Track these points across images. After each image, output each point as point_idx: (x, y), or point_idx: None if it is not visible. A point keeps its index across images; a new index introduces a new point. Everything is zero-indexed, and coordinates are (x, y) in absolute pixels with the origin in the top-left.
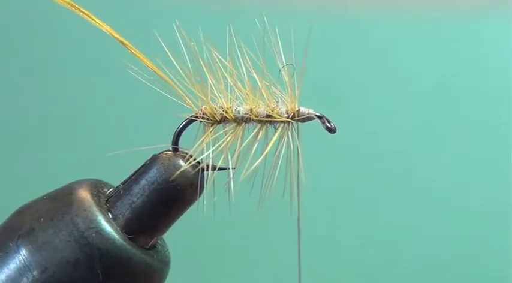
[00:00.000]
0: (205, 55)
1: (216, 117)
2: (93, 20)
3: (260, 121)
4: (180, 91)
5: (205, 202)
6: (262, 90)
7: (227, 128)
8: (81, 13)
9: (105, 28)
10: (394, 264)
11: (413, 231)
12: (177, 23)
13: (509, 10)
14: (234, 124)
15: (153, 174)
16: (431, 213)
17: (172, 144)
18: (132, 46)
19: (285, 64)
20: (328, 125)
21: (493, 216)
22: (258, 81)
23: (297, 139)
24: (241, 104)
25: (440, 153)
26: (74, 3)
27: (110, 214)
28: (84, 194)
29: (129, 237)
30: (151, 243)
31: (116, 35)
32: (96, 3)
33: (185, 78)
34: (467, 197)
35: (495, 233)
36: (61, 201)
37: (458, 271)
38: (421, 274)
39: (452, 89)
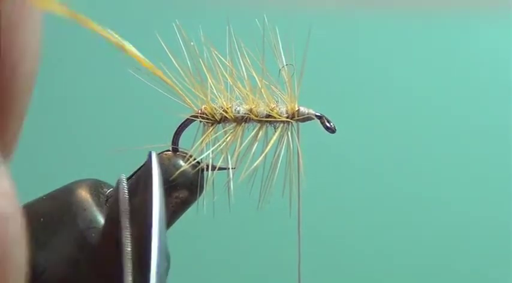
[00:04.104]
0: (205, 55)
1: (215, 117)
2: (93, 27)
3: (260, 121)
4: (180, 91)
5: (205, 202)
6: (262, 90)
7: (227, 128)
8: (81, 22)
9: (104, 34)
10: (394, 264)
11: (414, 231)
12: (177, 22)
13: (509, 10)
14: (234, 124)
15: None
16: (432, 213)
17: (172, 144)
18: (132, 48)
19: (284, 64)
20: (327, 125)
21: (494, 215)
22: (258, 81)
23: (296, 139)
24: (241, 103)
25: (440, 153)
26: (75, 13)
27: None
28: (84, 194)
29: None
30: None
31: (113, 40)
32: (96, 2)
33: (185, 78)
34: (466, 196)
35: (496, 233)
36: (61, 201)
37: (458, 271)
38: (421, 274)
39: (452, 88)
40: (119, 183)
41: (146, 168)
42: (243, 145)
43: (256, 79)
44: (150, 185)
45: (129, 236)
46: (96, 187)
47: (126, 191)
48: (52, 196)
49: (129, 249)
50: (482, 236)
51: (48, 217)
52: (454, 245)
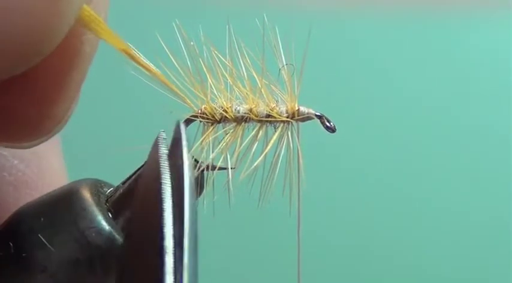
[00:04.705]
0: (205, 55)
1: (215, 116)
2: (142, 64)
3: (260, 121)
4: (180, 91)
5: (205, 202)
6: (262, 90)
7: (227, 128)
8: (131, 58)
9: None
10: (395, 264)
11: (414, 231)
12: (177, 22)
13: (509, 10)
14: (234, 124)
15: None
16: (432, 213)
17: None
18: (133, 50)
19: (284, 64)
20: (327, 124)
21: (494, 215)
22: (258, 81)
23: (296, 139)
24: (241, 103)
25: (440, 153)
26: (128, 48)
27: (109, 214)
28: (84, 194)
29: None
30: None
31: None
32: None
33: (185, 77)
34: (466, 196)
35: (496, 233)
36: (61, 200)
37: (458, 271)
38: (421, 274)
39: (452, 88)
40: (158, 139)
41: (174, 136)
42: (243, 145)
43: (256, 79)
44: (181, 151)
45: (169, 191)
46: (96, 187)
47: (165, 147)
48: (52, 196)
49: (170, 203)
50: (482, 236)
51: (48, 216)
52: (454, 245)
